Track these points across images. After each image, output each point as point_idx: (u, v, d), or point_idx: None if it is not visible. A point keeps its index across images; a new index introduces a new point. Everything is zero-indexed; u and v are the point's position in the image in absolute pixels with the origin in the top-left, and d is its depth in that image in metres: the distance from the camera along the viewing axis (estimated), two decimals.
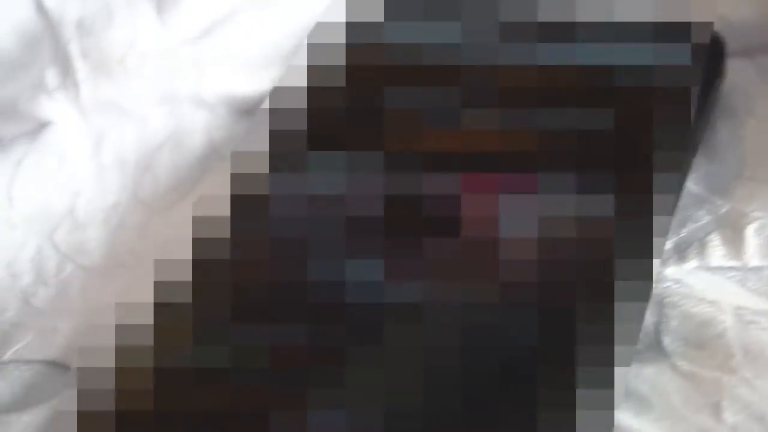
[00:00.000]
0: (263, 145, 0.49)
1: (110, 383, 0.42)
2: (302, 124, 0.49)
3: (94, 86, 0.61)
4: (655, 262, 0.48)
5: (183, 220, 0.52)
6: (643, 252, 0.45)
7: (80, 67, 0.61)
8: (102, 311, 0.52)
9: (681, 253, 0.51)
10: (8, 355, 0.51)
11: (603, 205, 0.45)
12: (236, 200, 0.47)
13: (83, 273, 0.55)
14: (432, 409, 0.41)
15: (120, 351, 0.43)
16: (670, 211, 0.49)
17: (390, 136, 0.48)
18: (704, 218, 0.52)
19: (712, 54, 0.52)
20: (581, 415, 0.40)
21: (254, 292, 0.44)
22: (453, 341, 0.42)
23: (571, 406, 0.40)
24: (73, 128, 0.60)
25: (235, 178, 0.48)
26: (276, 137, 0.49)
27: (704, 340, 0.47)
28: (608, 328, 0.42)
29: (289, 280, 0.44)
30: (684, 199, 0.52)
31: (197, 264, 0.45)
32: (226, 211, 0.47)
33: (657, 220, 0.45)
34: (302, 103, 0.50)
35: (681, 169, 0.49)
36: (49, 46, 0.62)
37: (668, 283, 0.50)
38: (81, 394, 0.42)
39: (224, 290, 0.45)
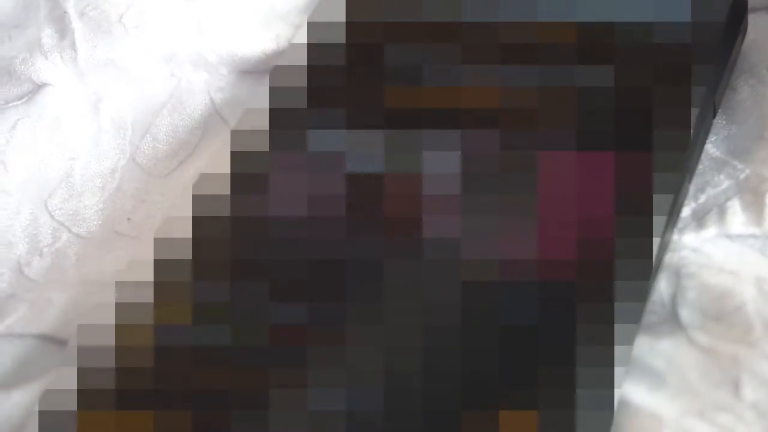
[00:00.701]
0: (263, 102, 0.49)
1: (110, 362, 0.42)
2: (303, 81, 0.49)
3: (91, 46, 0.59)
4: (673, 230, 0.46)
5: (183, 187, 0.51)
6: (645, 222, 0.44)
7: (78, 27, 0.60)
8: (98, 284, 0.51)
9: (699, 220, 0.49)
10: (0, 328, 0.49)
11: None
12: (236, 176, 0.47)
13: (79, 242, 0.53)
14: (430, 390, 0.40)
15: (120, 330, 0.43)
16: (678, 169, 0.47)
17: (390, 93, 0.48)
18: (724, 183, 0.50)
19: (732, 9, 0.50)
20: (581, 395, 0.40)
21: (252, 268, 0.44)
22: (453, 319, 0.42)
23: (571, 387, 0.40)
24: (70, 90, 0.58)
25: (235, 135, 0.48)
26: (276, 93, 0.49)
27: (723, 313, 0.45)
28: (608, 307, 0.42)
29: (290, 257, 0.44)
30: (703, 164, 0.50)
31: (197, 242, 0.45)
32: (226, 187, 0.47)
33: (660, 178, 0.44)
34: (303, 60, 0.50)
35: (688, 129, 0.47)
36: (45, 5, 0.61)
37: (686, 252, 0.48)
38: (81, 372, 0.42)
39: (224, 268, 0.44)
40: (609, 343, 0.41)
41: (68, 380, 0.42)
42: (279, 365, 0.41)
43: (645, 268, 0.43)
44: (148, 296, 0.44)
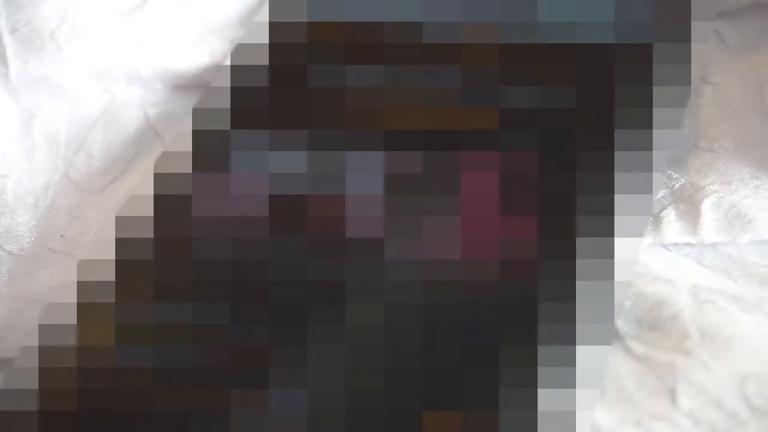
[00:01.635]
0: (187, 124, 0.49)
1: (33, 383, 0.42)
2: (226, 103, 0.49)
3: (23, 62, 0.59)
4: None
5: (116, 204, 0.51)
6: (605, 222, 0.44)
7: (9, 43, 0.59)
8: (31, 301, 0.50)
9: None
10: None
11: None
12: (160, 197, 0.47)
13: (11, 259, 0.52)
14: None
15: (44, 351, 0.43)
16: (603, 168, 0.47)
17: (314, 114, 0.48)
18: (659, 192, 0.50)
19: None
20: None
21: (178, 289, 0.44)
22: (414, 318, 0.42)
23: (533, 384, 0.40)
24: (2, 107, 0.57)
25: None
26: (200, 115, 0.50)
27: (659, 321, 0.45)
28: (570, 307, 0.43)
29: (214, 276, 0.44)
30: None
31: (120, 264, 0.45)
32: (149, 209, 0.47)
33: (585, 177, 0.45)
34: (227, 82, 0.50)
35: (611, 130, 0.47)
36: None
37: None
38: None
39: (149, 288, 0.44)
40: (532, 345, 0.41)
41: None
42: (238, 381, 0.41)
43: (569, 269, 0.43)
44: (72, 317, 0.43)
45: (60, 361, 0.42)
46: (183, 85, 0.58)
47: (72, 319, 0.43)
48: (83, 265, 0.46)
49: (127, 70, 0.59)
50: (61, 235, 0.53)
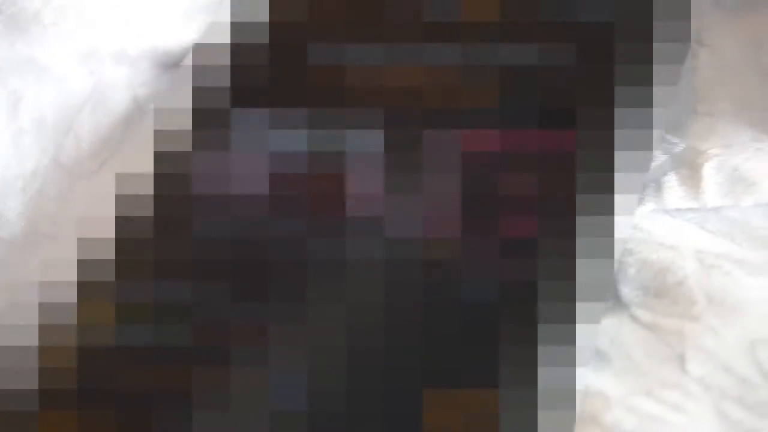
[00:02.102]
0: (187, 102, 0.48)
1: (33, 362, 0.41)
2: (226, 81, 0.48)
3: (9, 44, 0.58)
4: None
5: (107, 187, 0.50)
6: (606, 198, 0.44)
7: None
8: (24, 286, 0.49)
9: None
10: None
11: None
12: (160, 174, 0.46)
13: (2, 245, 0.51)
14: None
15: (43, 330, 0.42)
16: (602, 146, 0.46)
17: (314, 93, 0.47)
18: (659, 158, 0.49)
19: None
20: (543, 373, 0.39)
21: (178, 267, 0.43)
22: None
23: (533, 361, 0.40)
24: None
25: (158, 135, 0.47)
26: (200, 93, 0.49)
27: (665, 288, 0.45)
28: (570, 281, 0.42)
29: (214, 242, 0.44)
30: None
31: (120, 242, 0.44)
32: (149, 188, 0.46)
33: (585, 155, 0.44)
34: (226, 60, 0.49)
35: (611, 107, 0.46)
36: None
37: None
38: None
39: (147, 267, 0.43)
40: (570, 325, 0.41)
41: None
42: (203, 364, 0.40)
43: (569, 247, 0.43)
44: (71, 296, 0.43)
45: (57, 339, 0.41)
46: (171, 63, 0.57)
47: (72, 297, 0.42)
48: (83, 243, 0.45)
49: (114, 50, 0.58)
50: (50, 219, 0.52)
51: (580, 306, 0.41)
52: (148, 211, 0.44)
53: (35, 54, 0.57)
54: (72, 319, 0.42)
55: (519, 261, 0.42)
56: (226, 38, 0.50)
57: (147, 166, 0.47)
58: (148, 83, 0.57)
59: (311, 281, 0.42)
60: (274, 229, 0.43)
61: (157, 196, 0.45)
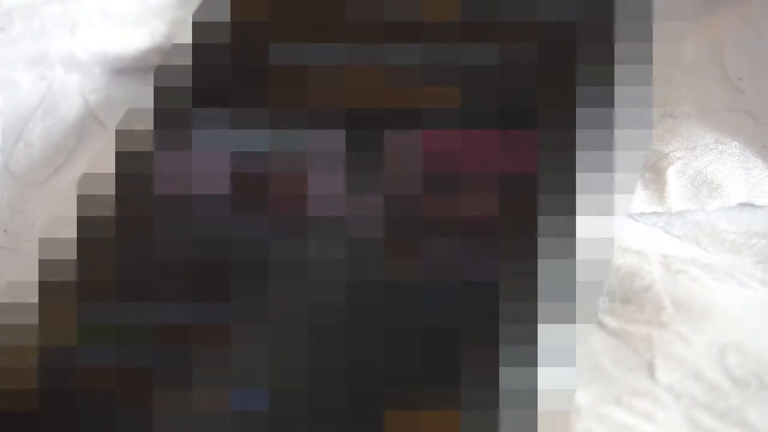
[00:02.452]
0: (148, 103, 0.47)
1: None
2: (187, 81, 0.48)
3: None
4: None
5: (59, 196, 0.49)
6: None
7: None
8: None
9: None
10: None
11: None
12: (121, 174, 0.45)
13: None
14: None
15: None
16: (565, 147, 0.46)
17: (275, 93, 0.46)
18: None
19: None
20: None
21: (140, 264, 0.43)
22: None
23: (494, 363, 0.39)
24: None
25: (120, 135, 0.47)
26: (161, 94, 0.48)
27: (631, 294, 0.44)
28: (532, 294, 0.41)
29: (175, 241, 0.43)
30: None
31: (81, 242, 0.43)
32: (110, 187, 0.45)
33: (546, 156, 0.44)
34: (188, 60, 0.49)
35: (572, 108, 0.46)
36: None
37: None
38: None
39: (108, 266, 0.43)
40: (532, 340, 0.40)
41: None
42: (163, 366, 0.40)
43: (531, 247, 0.42)
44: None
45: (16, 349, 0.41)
46: (123, 69, 0.57)
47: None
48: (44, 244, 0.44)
49: (64, 56, 0.57)
50: (5, 230, 0.51)
51: (542, 306, 0.41)
52: (109, 211, 0.44)
53: None
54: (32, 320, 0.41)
55: (482, 259, 0.42)
56: (187, 38, 0.49)
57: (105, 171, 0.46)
58: (99, 89, 0.56)
59: (272, 282, 0.41)
60: (235, 230, 0.43)
61: (119, 196, 0.44)
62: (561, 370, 0.40)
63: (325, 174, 0.44)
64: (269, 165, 0.44)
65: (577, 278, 0.42)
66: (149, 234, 0.43)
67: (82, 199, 0.45)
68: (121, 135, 0.47)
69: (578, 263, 0.42)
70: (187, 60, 0.48)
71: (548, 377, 0.39)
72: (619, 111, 0.46)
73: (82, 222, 0.44)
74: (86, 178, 0.46)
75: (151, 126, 0.46)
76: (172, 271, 0.42)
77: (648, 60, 0.47)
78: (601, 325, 0.43)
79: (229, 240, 0.42)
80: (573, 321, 0.42)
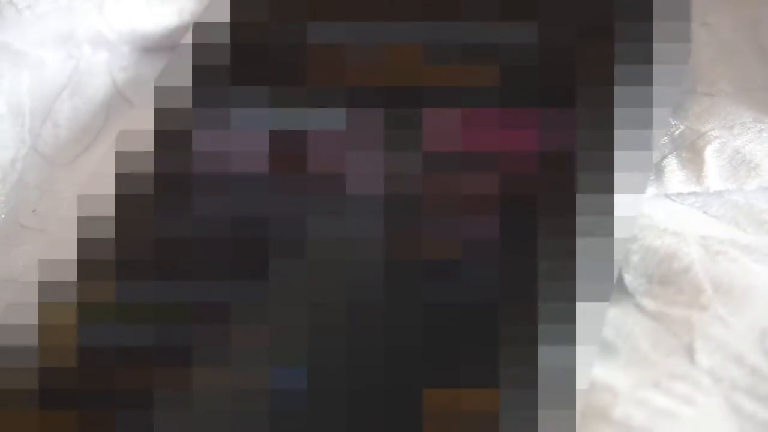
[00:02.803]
0: (186, 80, 0.47)
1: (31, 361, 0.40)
2: (225, 59, 0.47)
3: None
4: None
5: (88, 175, 0.49)
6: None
7: None
8: (5, 281, 0.48)
9: None
10: None
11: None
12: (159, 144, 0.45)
13: None
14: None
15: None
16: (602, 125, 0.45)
17: (313, 71, 0.46)
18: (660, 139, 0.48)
19: None
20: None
21: (178, 243, 0.43)
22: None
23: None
24: None
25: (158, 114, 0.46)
26: (199, 72, 0.47)
27: (670, 276, 0.44)
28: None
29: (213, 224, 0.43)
30: None
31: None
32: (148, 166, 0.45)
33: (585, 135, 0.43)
34: (225, 38, 0.48)
35: (611, 86, 0.45)
36: None
37: None
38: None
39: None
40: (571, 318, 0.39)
41: None
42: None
43: (569, 225, 0.42)
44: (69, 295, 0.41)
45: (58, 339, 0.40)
46: (151, 47, 0.56)
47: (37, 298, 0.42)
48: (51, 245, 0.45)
49: (92, 34, 0.56)
50: (33, 211, 0.51)
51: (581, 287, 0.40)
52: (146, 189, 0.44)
53: (9, 39, 0.56)
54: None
55: (520, 238, 0.41)
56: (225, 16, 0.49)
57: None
58: (127, 68, 0.56)
59: (310, 260, 0.41)
60: (272, 207, 0.43)
61: (157, 174, 0.44)
62: (582, 348, 0.39)
63: (363, 152, 0.43)
64: (308, 144, 0.44)
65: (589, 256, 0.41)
66: (187, 212, 0.43)
67: (120, 156, 0.45)
68: (159, 114, 0.47)
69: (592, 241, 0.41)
70: (225, 38, 0.48)
71: (550, 355, 0.39)
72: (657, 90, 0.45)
73: (120, 199, 0.44)
74: (123, 136, 0.46)
75: (186, 104, 0.46)
76: (210, 249, 0.42)
77: (687, 39, 0.47)
78: (640, 308, 0.43)
79: (267, 218, 0.42)
80: (608, 300, 0.42)
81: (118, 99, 0.55)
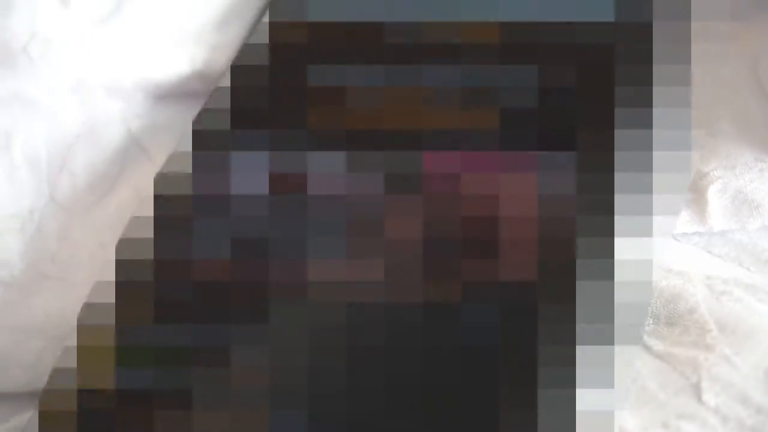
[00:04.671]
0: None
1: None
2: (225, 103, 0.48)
3: None
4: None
5: (104, 223, 0.50)
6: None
7: None
8: (27, 331, 0.49)
9: None
10: None
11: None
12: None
13: (3, 288, 0.51)
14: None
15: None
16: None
17: (314, 114, 0.47)
18: None
19: None
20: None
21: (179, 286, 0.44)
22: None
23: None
24: None
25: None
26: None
27: (676, 316, 0.45)
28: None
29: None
30: None
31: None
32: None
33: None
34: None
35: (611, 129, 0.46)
36: None
37: None
38: None
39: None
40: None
41: None
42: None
43: (569, 266, 0.42)
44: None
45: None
46: (164, 95, 0.57)
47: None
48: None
49: (106, 82, 0.57)
50: (52, 260, 0.52)
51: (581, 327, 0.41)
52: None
53: (23, 89, 0.56)
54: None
55: (520, 280, 0.42)
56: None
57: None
58: (141, 115, 0.56)
59: (309, 302, 0.42)
60: (271, 248, 0.44)
61: (157, 217, 0.46)
62: (600, 392, 0.40)
63: (364, 196, 0.44)
64: (308, 187, 0.44)
65: (619, 300, 0.42)
66: (188, 255, 0.44)
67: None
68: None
69: (618, 285, 0.42)
70: (226, 81, 0.49)
71: (588, 398, 0.39)
72: (658, 132, 0.46)
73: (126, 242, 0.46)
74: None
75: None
76: (210, 293, 0.43)
77: (686, 82, 0.48)
78: (647, 348, 0.44)
79: (266, 258, 0.43)
80: (612, 342, 0.42)
81: (133, 146, 0.55)
